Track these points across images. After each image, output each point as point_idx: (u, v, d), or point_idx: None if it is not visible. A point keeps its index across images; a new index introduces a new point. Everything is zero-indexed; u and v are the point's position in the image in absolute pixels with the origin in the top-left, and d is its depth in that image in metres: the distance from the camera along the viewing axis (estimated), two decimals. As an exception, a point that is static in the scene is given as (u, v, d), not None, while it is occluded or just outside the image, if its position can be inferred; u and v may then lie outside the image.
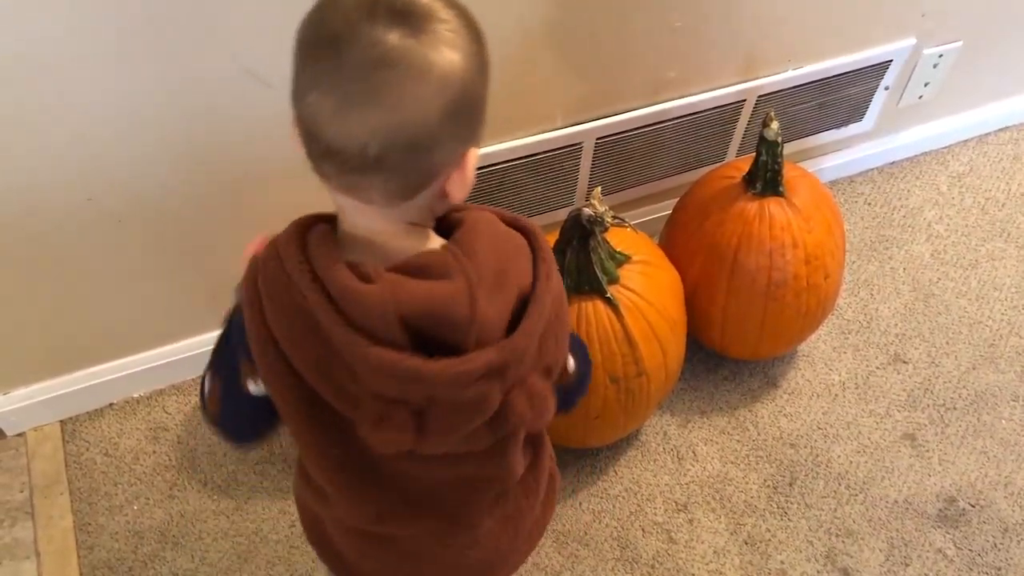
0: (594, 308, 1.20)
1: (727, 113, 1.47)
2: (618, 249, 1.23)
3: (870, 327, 1.56)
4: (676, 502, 1.36)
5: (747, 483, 1.38)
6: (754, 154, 1.30)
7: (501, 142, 1.33)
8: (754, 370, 1.49)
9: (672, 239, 1.42)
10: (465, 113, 0.62)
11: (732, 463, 1.40)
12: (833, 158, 1.73)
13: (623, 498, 1.36)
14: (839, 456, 1.41)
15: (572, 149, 1.39)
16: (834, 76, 1.52)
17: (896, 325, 1.56)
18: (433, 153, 0.63)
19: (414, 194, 0.65)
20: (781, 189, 1.31)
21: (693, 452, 1.41)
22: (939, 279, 1.63)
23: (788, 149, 1.63)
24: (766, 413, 1.45)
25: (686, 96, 1.41)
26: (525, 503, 0.87)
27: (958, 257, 1.66)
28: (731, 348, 1.43)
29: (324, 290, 0.64)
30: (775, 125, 1.26)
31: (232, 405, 0.75)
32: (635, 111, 1.39)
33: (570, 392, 0.84)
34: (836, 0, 1.40)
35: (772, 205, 1.30)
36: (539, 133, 1.35)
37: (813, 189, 1.34)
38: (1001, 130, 1.86)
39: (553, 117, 1.35)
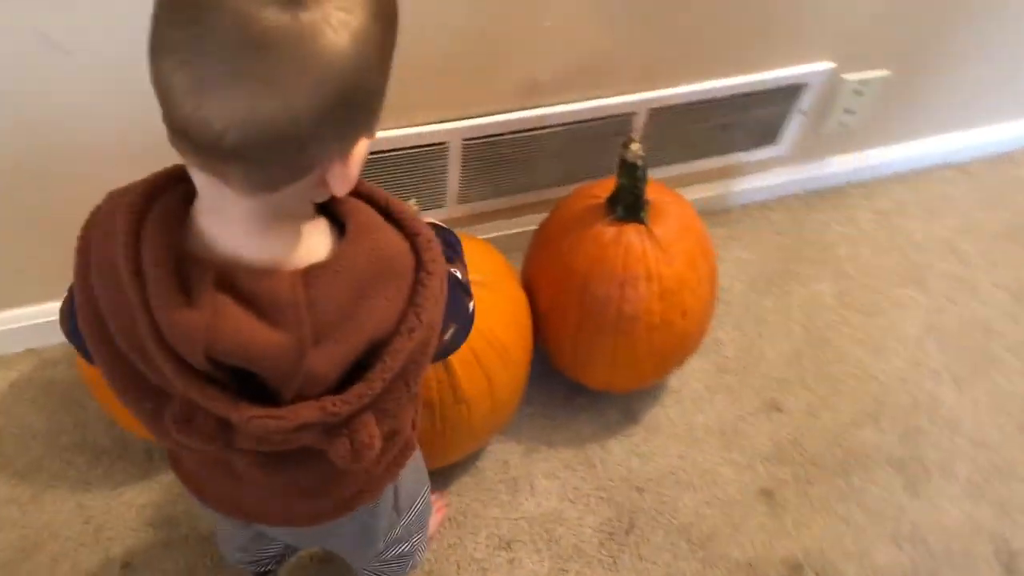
0: (409, 328, 1.10)
1: (614, 126, 1.36)
2: (447, 265, 1.13)
3: (750, 368, 1.45)
4: (500, 538, 1.27)
5: (581, 525, 1.28)
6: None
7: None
8: (614, 401, 1.39)
9: (531, 256, 1.31)
10: (351, 107, 0.54)
11: (570, 501, 1.30)
12: (746, 180, 1.61)
13: (445, 528, 1.27)
14: (687, 506, 1.31)
15: (437, 148, 1.29)
16: (737, 95, 1.40)
17: (779, 369, 1.46)
18: (306, 150, 0.54)
19: (280, 187, 0.57)
20: (642, 215, 1.20)
21: (531, 485, 1.32)
22: (837, 323, 1.52)
23: (691, 168, 1.52)
24: (618, 450, 1.35)
25: (563, 103, 1.30)
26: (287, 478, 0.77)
27: (863, 301, 1.55)
28: (584, 377, 1.33)
29: (144, 290, 0.58)
30: (635, 147, 1.15)
31: (74, 322, 0.67)
32: (505, 114, 1.28)
33: (443, 352, 0.76)
34: (744, 14, 1.29)
35: (631, 232, 1.20)
36: (399, 128, 1.25)
37: (682, 218, 1.23)
38: (935, 167, 1.74)
39: (412, 112, 1.24)
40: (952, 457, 1.38)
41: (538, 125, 1.32)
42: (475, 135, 1.29)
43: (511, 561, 1.25)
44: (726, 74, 1.37)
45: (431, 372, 1.10)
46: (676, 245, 1.20)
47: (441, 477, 1.30)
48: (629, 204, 1.19)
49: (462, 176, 1.36)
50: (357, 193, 0.68)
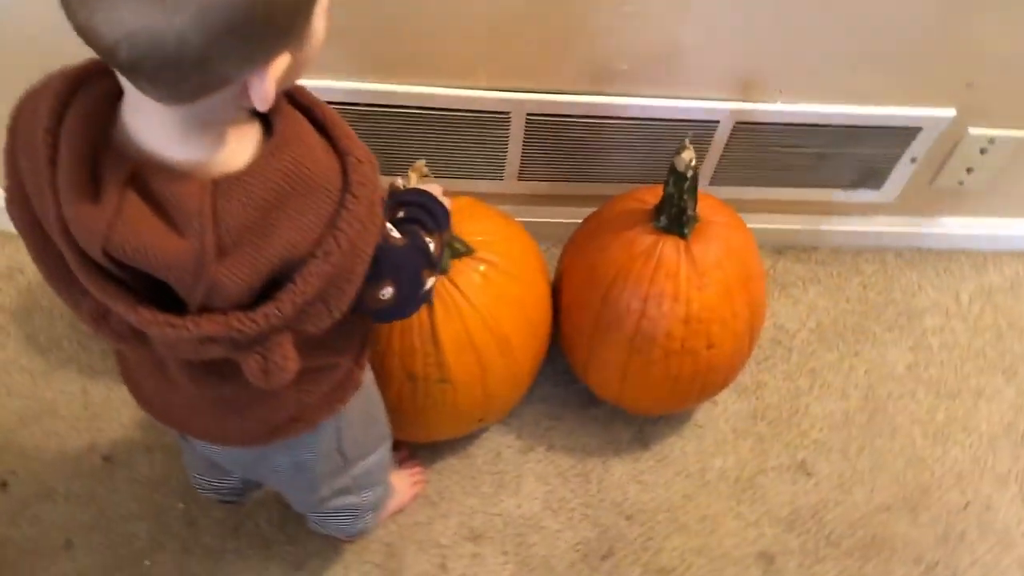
0: (406, 292, 1.05)
1: (694, 131, 1.26)
2: (463, 239, 1.08)
3: (789, 421, 1.33)
4: (471, 530, 1.21)
5: (558, 539, 1.21)
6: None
7: (418, 84, 1.18)
8: (630, 420, 1.30)
9: (568, 248, 1.24)
10: (252, 26, 0.52)
11: (553, 511, 1.23)
12: (841, 221, 1.47)
13: (418, 504, 1.23)
14: (674, 548, 1.21)
15: (499, 118, 1.23)
16: (837, 127, 1.27)
17: (821, 429, 1.33)
18: (207, 67, 0.53)
19: (192, 100, 0.56)
20: (685, 231, 1.11)
21: (518, 484, 1.25)
22: (902, 396, 1.37)
23: (777, 194, 1.39)
24: (620, 472, 1.27)
25: (640, 97, 1.21)
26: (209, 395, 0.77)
27: (939, 380, 1.39)
28: (593, 385, 1.24)
29: (55, 179, 0.58)
30: (686, 155, 1.05)
31: None
32: (575, 96, 1.21)
33: (384, 313, 0.74)
34: (856, 38, 1.16)
35: (668, 245, 1.11)
36: (460, 87, 1.20)
37: (730, 244, 1.13)
38: (1067, 253, 1.54)
39: (476, 74, 1.19)
40: None
41: (610, 114, 1.23)
42: (541, 111, 1.22)
43: (474, 556, 1.20)
44: (829, 99, 1.24)
45: (417, 344, 1.05)
46: (714, 271, 1.10)
47: (428, 452, 1.26)
48: (673, 215, 1.10)
49: (524, 152, 1.30)
50: (298, 103, 0.65)
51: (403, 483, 1.21)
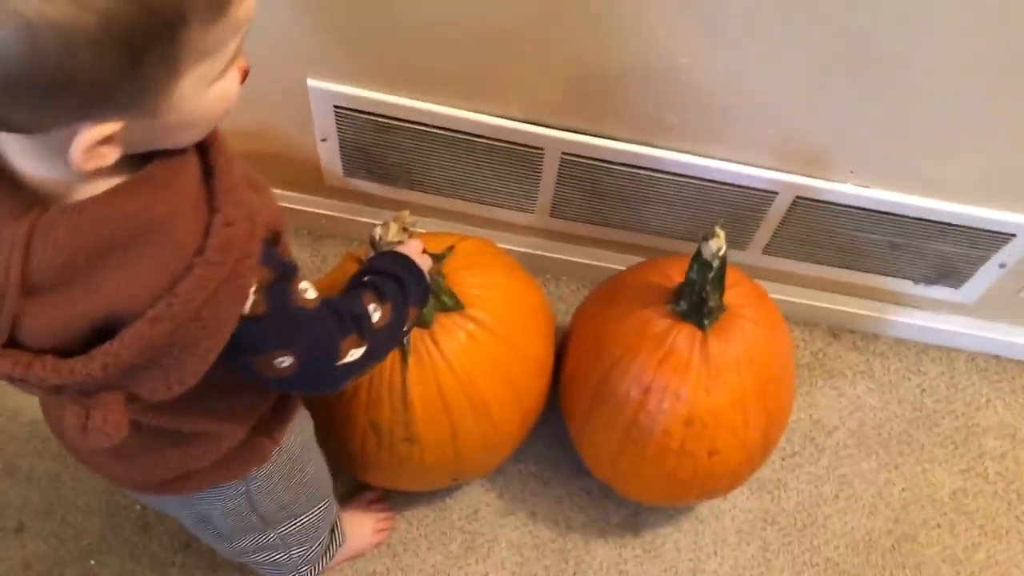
0: (381, 342, 0.96)
1: (748, 199, 1.12)
2: (454, 292, 0.98)
3: (803, 532, 1.19)
4: (428, 588, 1.13)
5: (517, 618, 1.12)
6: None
7: (452, 106, 1.08)
8: (623, 502, 1.19)
9: (581, 309, 1.12)
10: (30, 91, 0.46)
11: (520, 586, 1.14)
12: (908, 313, 1.30)
13: (379, 552, 1.15)
14: (643, 654, 1.11)
15: (531, 153, 1.12)
16: (915, 219, 1.10)
17: (837, 547, 1.19)
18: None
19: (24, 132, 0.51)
20: (705, 322, 0.97)
21: (490, 549, 1.16)
22: (939, 526, 1.21)
23: (839, 275, 1.24)
24: (602, 557, 1.16)
25: (690, 154, 1.08)
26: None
27: (988, 514, 1.22)
28: (586, 459, 1.13)
29: None
30: (715, 243, 0.92)
31: None
32: (616, 142, 1.08)
33: (287, 383, 0.68)
34: (949, 128, 0.99)
35: (683, 335, 0.98)
36: (491, 115, 1.08)
37: (755, 345, 0.99)
38: None
39: (508, 101, 1.07)
40: None
41: (652, 167, 1.10)
42: (577, 152, 1.10)
43: (425, 619, 1.11)
44: (909, 189, 1.07)
45: (385, 398, 0.96)
46: (730, 374, 0.97)
47: (403, 499, 1.17)
48: (693, 303, 0.97)
49: (556, 190, 1.18)
50: (202, 142, 0.57)
51: (365, 529, 1.13)
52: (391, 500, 1.17)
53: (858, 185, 1.08)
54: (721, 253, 0.92)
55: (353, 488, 1.17)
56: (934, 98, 0.96)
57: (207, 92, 0.53)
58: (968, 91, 0.94)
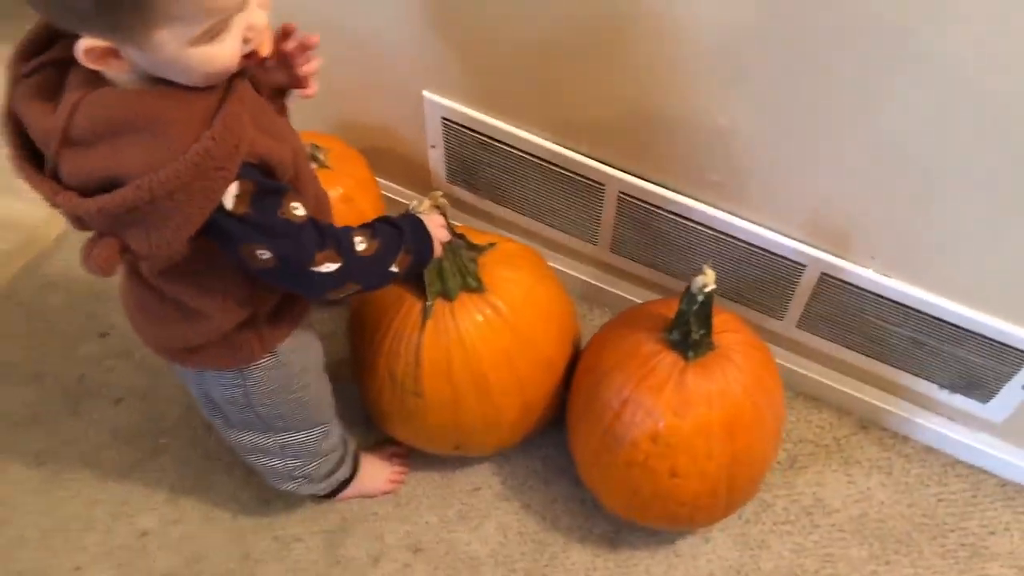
0: (411, 303, 1.14)
1: (780, 266, 1.21)
2: (481, 278, 1.14)
3: (772, 594, 1.24)
4: (417, 541, 1.27)
5: (484, 588, 1.24)
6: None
7: (521, 127, 1.26)
8: (611, 518, 1.27)
9: (602, 326, 1.24)
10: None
11: (496, 562, 1.25)
12: (935, 421, 1.32)
13: (386, 499, 1.31)
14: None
15: (594, 186, 1.27)
16: (934, 318, 1.15)
17: (801, 619, 1.22)
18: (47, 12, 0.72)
19: (65, 29, 0.72)
20: (689, 354, 1.08)
21: (480, 523, 1.29)
22: (915, 630, 1.21)
23: (867, 364, 1.29)
24: (576, 559, 1.26)
25: (727, 213, 1.19)
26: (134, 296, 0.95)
27: (970, 634, 1.21)
28: (575, 459, 1.23)
29: None
30: (702, 279, 1.03)
31: None
32: (666, 190, 1.21)
33: (267, 274, 0.85)
34: (970, 231, 1.05)
35: (666, 359, 1.09)
36: (561, 145, 1.25)
37: (731, 386, 1.08)
38: None
39: (579, 138, 1.23)
40: None
41: (695, 218, 1.22)
42: (633, 194, 1.24)
43: (406, 565, 1.26)
44: (931, 286, 1.13)
45: (402, 351, 1.13)
46: (699, 404, 1.07)
47: (420, 460, 1.33)
48: (681, 332, 1.08)
49: (615, 226, 1.32)
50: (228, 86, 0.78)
51: (380, 475, 1.29)
52: (410, 460, 1.33)
53: (879, 272, 1.14)
54: (707, 290, 1.03)
55: (382, 441, 1.34)
56: (959, 202, 1.02)
57: (189, 49, 0.71)
58: (992, 203, 1.00)
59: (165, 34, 0.69)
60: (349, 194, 1.34)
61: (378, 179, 1.45)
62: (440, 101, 1.30)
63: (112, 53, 0.71)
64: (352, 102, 1.40)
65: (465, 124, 1.31)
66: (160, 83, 0.75)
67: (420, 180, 1.48)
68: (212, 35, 0.72)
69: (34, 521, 1.29)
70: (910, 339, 1.21)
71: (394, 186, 1.51)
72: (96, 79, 0.75)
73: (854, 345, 1.28)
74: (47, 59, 0.76)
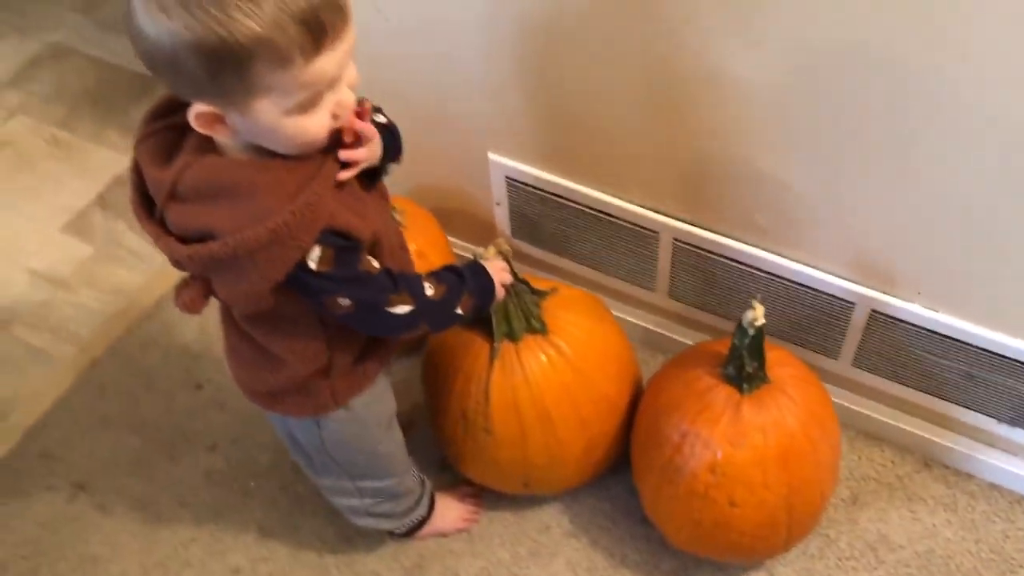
0: (480, 346, 1.22)
1: (829, 306, 1.26)
2: (544, 320, 1.22)
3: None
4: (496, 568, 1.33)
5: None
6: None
7: (579, 183, 1.35)
8: (678, 555, 1.31)
9: (667, 363, 1.30)
10: (170, 67, 0.77)
11: (565, 597, 1.31)
12: (1003, 458, 1.33)
13: (460, 537, 1.37)
14: None
15: (648, 235, 1.35)
16: (984, 351, 1.18)
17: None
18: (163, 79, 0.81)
19: (184, 98, 0.82)
20: (744, 387, 1.14)
21: (550, 559, 1.34)
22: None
23: (920, 399, 1.32)
24: (643, 593, 1.30)
25: (776, 255, 1.25)
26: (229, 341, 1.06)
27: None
28: (640, 494, 1.29)
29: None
30: (750, 314, 1.09)
31: None
32: (715, 235, 1.28)
33: (348, 319, 0.95)
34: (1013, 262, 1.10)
35: (721, 393, 1.15)
36: (614, 196, 1.33)
37: (785, 417, 1.13)
38: None
39: (631, 188, 1.32)
40: None
41: (746, 262, 1.28)
42: (686, 240, 1.31)
43: (480, 596, 1.32)
44: (978, 319, 1.16)
45: (472, 390, 1.21)
46: (754, 434, 1.12)
47: (491, 499, 1.39)
48: (735, 366, 1.14)
49: (672, 272, 1.39)
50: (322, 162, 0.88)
51: (453, 514, 1.36)
52: (483, 499, 1.40)
53: (926, 307, 1.19)
54: (757, 324, 1.09)
55: (456, 482, 1.41)
56: (1002, 234, 1.07)
57: (284, 119, 0.80)
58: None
59: (264, 103, 0.79)
60: (422, 250, 1.43)
61: (448, 237, 1.55)
62: (504, 162, 1.40)
63: (218, 119, 0.82)
64: (421, 166, 1.51)
65: (527, 182, 1.40)
66: (260, 152, 0.85)
67: (486, 236, 1.57)
68: (305, 108, 0.81)
69: (137, 559, 1.39)
70: (963, 373, 1.24)
71: (462, 243, 1.61)
72: (206, 146, 0.86)
73: (909, 381, 1.31)
74: (169, 123, 0.88)
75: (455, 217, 1.55)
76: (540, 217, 1.46)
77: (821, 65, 1.01)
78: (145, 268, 1.76)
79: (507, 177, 1.43)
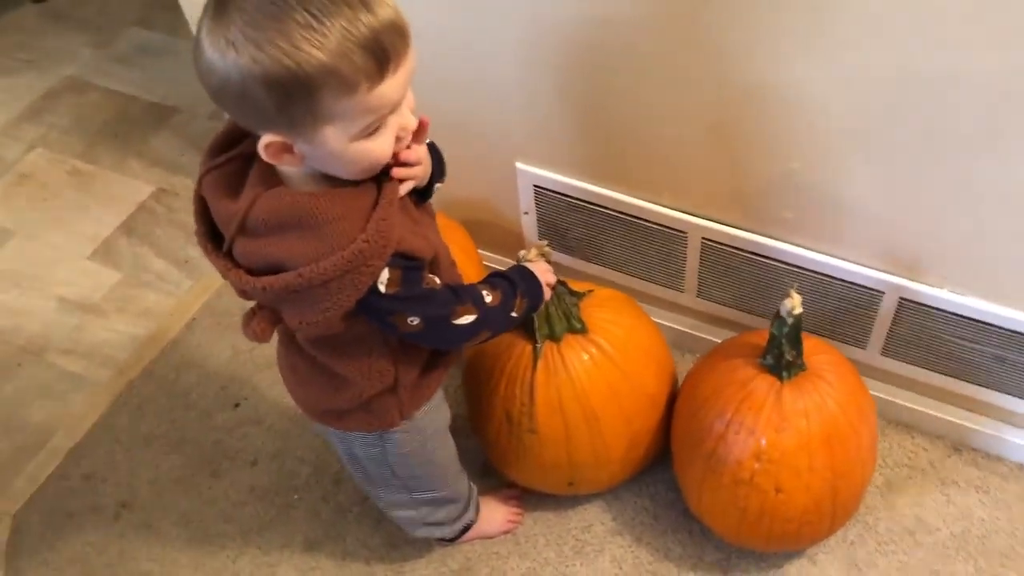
0: (522, 348, 1.25)
1: (857, 296, 1.30)
2: (584, 320, 1.25)
3: (882, 610, 1.28)
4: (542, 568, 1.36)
5: (604, 617, 1.31)
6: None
7: (612, 189, 1.39)
8: (721, 547, 1.35)
9: (695, 363, 1.34)
10: (241, 99, 0.79)
11: (612, 593, 1.33)
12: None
13: (505, 539, 1.39)
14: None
15: (676, 235, 1.38)
16: (1013, 332, 1.22)
17: (914, 633, 1.26)
18: (231, 111, 0.85)
19: (250, 130, 0.86)
20: (784, 374, 1.17)
21: (595, 557, 1.37)
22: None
23: (949, 384, 1.35)
24: (689, 586, 1.33)
25: (803, 248, 1.29)
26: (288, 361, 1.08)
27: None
28: (682, 488, 1.32)
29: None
30: (790, 302, 1.12)
31: None
32: (745, 232, 1.32)
33: (415, 337, 0.97)
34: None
35: (762, 382, 1.18)
36: (642, 199, 1.37)
37: (825, 401, 1.16)
38: None
39: (661, 192, 1.36)
40: None
41: (775, 257, 1.32)
42: (714, 239, 1.35)
43: (528, 598, 1.34)
44: (1007, 301, 1.20)
45: (517, 392, 1.24)
46: (797, 419, 1.15)
47: (534, 500, 1.42)
48: (774, 356, 1.17)
49: (700, 271, 1.42)
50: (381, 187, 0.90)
51: (497, 516, 1.39)
52: (526, 501, 1.42)
53: (954, 292, 1.23)
54: (796, 312, 1.13)
55: (499, 484, 1.44)
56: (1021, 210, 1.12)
57: (350, 144, 0.82)
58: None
59: (330, 130, 0.81)
60: (455, 260, 1.47)
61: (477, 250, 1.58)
62: (531, 170, 1.44)
63: (287, 148, 0.83)
64: (450, 178, 1.55)
65: (556, 190, 1.44)
66: (325, 180, 0.87)
67: (514, 246, 1.60)
68: (370, 132, 0.83)
69: (187, 574, 1.41)
70: (992, 355, 1.28)
71: (490, 255, 1.64)
72: (272, 176, 0.88)
73: (939, 367, 1.35)
74: (235, 154, 0.90)
75: (482, 228, 1.59)
76: (568, 224, 1.49)
77: (843, 68, 1.06)
78: (173, 290, 1.79)
79: (535, 186, 1.46)
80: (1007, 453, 1.41)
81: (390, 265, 0.88)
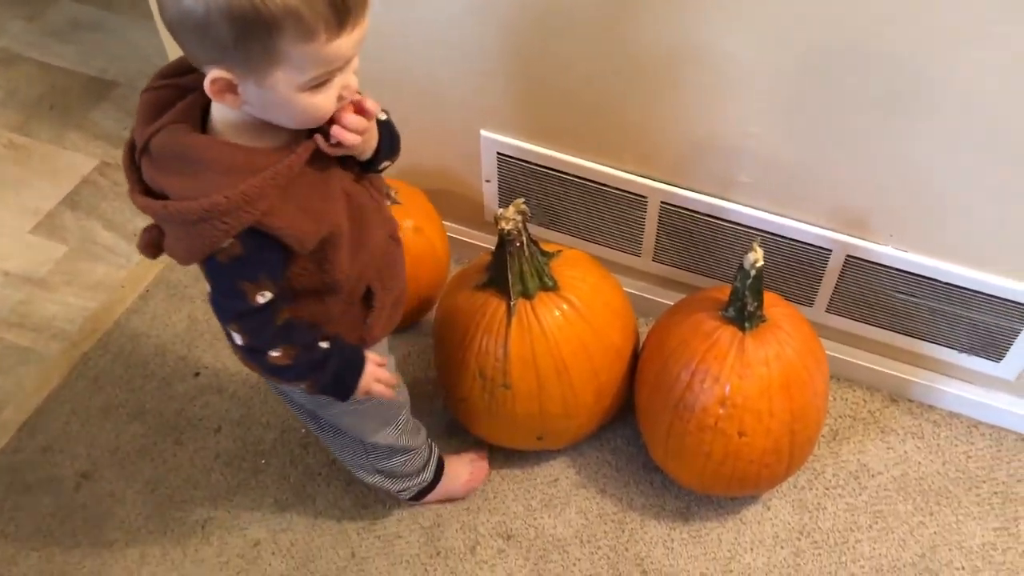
0: (496, 305, 1.29)
1: (805, 253, 1.38)
2: (555, 276, 1.30)
3: (834, 548, 1.37)
4: (507, 529, 1.40)
5: (574, 566, 1.37)
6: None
7: (574, 155, 1.44)
8: (682, 495, 1.42)
9: (657, 320, 1.40)
10: (194, 28, 0.79)
11: (581, 542, 1.39)
12: (956, 386, 1.48)
13: (474, 496, 1.43)
14: (672, 612, 1.31)
15: (637, 200, 1.44)
16: (947, 284, 1.32)
17: (863, 567, 1.35)
18: (181, 43, 0.84)
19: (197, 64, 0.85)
20: (746, 325, 1.24)
21: (562, 509, 1.42)
22: (962, 568, 1.35)
23: (890, 338, 1.45)
24: (654, 533, 1.39)
25: (758, 210, 1.37)
26: None
27: (1012, 569, 1.35)
28: (647, 442, 1.38)
29: None
30: (752, 256, 1.20)
31: None
32: (703, 196, 1.39)
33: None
34: (970, 197, 1.23)
35: (726, 333, 1.25)
36: (605, 164, 1.43)
37: (784, 350, 1.24)
38: None
39: (623, 157, 1.42)
40: None
41: (731, 219, 1.39)
42: (673, 202, 1.42)
43: (500, 551, 1.38)
44: (942, 255, 1.30)
45: (491, 348, 1.28)
46: (759, 366, 1.22)
47: (501, 458, 1.46)
48: (736, 308, 1.24)
49: (658, 235, 1.49)
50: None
51: (460, 477, 1.41)
52: (492, 459, 1.46)
53: (897, 248, 1.32)
54: (758, 265, 1.20)
55: (464, 446, 1.47)
56: (959, 178, 1.21)
57: (297, 94, 0.83)
58: (987, 168, 1.19)
59: (280, 75, 0.82)
60: (419, 225, 1.50)
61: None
62: (496, 137, 1.48)
63: (231, 88, 0.83)
64: (412, 147, 1.58)
65: (519, 156, 1.49)
66: (247, 132, 0.89)
67: (474, 216, 1.65)
68: (317, 85, 0.85)
69: (154, 539, 1.40)
70: (928, 309, 1.38)
71: (449, 224, 1.67)
72: (194, 112, 0.90)
73: (879, 322, 1.44)
74: (171, 83, 0.92)
75: (443, 198, 1.62)
76: (530, 192, 1.54)
77: (797, 40, 1.14)
78: (124, 263, 1.77)
79: (499, 153, 1.50)
80: (939, 402, 1.51)
81: (237, 236, 0.88)
